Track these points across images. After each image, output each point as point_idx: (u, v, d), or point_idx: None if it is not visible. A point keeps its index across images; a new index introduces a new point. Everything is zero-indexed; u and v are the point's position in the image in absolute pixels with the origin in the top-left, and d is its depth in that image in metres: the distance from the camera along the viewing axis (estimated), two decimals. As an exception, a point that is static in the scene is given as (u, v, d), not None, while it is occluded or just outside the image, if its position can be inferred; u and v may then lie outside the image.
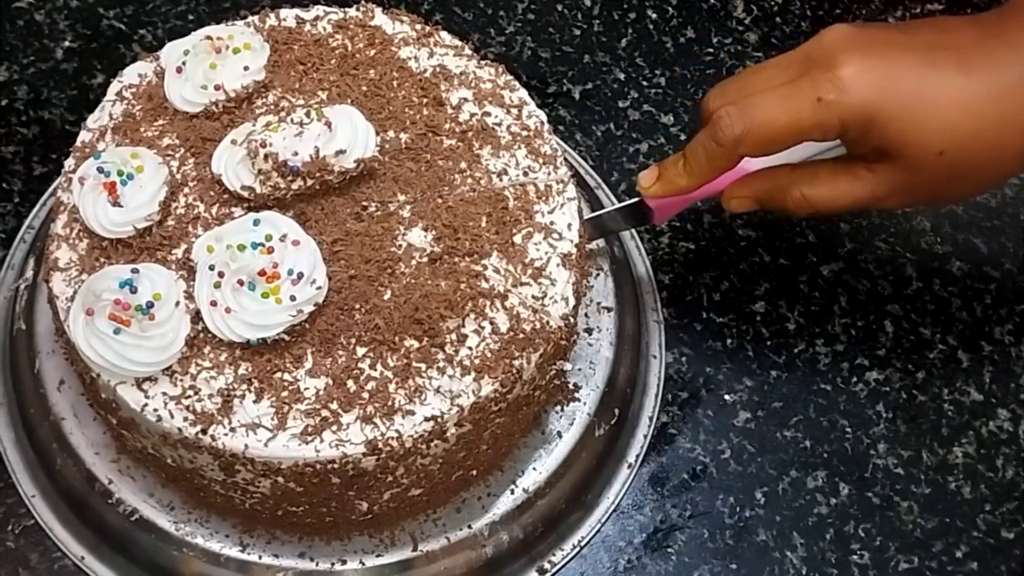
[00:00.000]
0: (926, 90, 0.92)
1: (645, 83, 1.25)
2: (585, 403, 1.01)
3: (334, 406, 0.84)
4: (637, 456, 1.04)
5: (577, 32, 1.28)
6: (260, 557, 0.94)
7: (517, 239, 0.91)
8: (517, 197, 0.93)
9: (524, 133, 0.96)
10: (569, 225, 0.92)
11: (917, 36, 0.94)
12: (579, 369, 1.02)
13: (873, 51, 0.92)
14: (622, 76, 1.25)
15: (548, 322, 0.88)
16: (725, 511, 1.04)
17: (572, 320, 0.92)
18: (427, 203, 0.91)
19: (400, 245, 0.90)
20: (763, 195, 0.99)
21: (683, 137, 1.22)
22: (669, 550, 1.02)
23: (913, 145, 0.92)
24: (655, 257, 1.15)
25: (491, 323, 0.87)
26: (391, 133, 0.94)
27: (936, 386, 1.10)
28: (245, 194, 0.89)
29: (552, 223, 0.92)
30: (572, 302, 0.90)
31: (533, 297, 0.89)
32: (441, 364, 0.86)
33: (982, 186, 1.03)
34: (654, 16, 1.30)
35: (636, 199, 1.03)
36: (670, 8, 1.30)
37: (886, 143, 0.92)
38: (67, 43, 1.23)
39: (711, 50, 1.28)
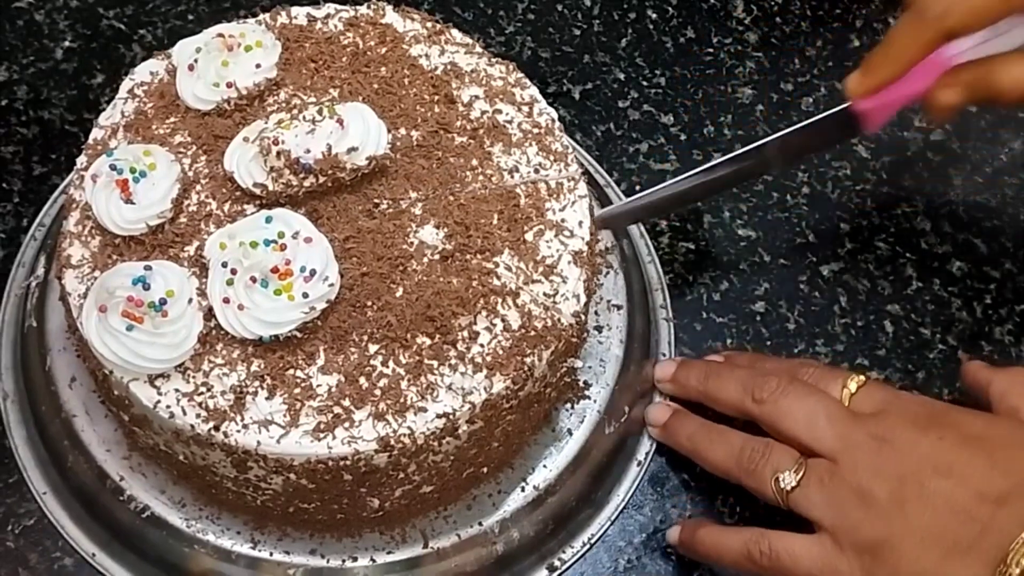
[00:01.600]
0: None
1: (645, 83, 1.25)
2: (595, 401, 1.01)
3: (346, 403, 0.84)
4: (647, 454, 1.04)
5: (577, 32, 1.28)
6: (271, 554, 0.94)
7: (528, 236, 0.91)
8: (528, 194, 0.93)
9: (535, 131, 0.96)
10: (580, 223, 0.92)
11: None
12: (589, 367, 1.02)
13: None
14: (622, 76, 1.26)
15: (559, 319, 0.89)
16: (725, 511, 1.04)
17: (583, 317, 0.92)
18: (439, 200, 0.92)
19: (412, 242, 0.90)
20: (973, 82, 0.97)
21: (683, 137, 1.22)
22: (669, 550, 1.02)
23: None
24: (655, 257, 1.15)
25: (503, 320, 0.88)
26: (403, 130, 0.95)
27: (936, 386, 1.10)
28: (257, 191, 0.89)
29: (563, 220, 0.92)
30: (583, 299, 0.91)
31: (544, 295, 0.89)
32: (453, 361, 0.86)
33: None
34: (654, 16, 1.30)
35: (844, 105, 1.01)
36: (670, 8, 1.31)
37: None
38: (67, 43, 1.23)
39: (711, 50, 1.28)
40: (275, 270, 0.84)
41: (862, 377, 0.96)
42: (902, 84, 0.98)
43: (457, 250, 0.89)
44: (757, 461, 0.94)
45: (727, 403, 0.99)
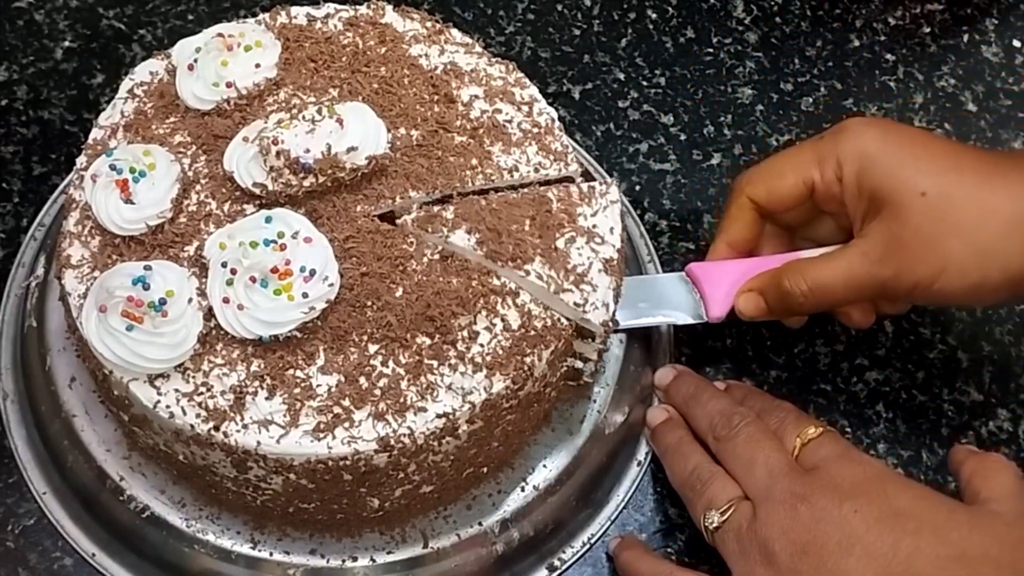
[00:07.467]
0: None
1: (645, 83, 1.25)
2: (596, 400, 1.02)
3: (346, 403, 0.84)
4: (647, 454, 1.04)
5: (577, 32, 1.28)
6: (271, 554, 0.94)
7: (560, 244, 0.91)
8: (560, 199, 0.93)
9: (535, 130, 0.96)
10: (611, 228, 0.93)
11: None
12: (590, 367, 1.02)
13: None
14: (622, 76, 1.26)
15: (559, 319, 0.89)
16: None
17: (611, 326, 0.92)
18: (470, 205, 0.92)
19: (411, 242, 0.90)
20: (765, 286, 1.02)
21: (683, 137, 1.22)
22: (669, 550, 1.02)
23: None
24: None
25: (502, 320, 0.88)
26: (402, 130, 0.94)
27: (936, 386, 1.10)
28: (257, 191, 0.89)
29: (595, 227, 0.92)
30: (612, 308, 0.91)
31: (575, 304, 0.89)
32: (453, 361, 0.86)
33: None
34: (654, 16, 1.30)
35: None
36: (670, 8, 1.31)
37: None
38: (67, 43, 1.23)
39: (711, 50, 1.28)
40: (275, 270, 0.84)
41: (817, 430, 0.94)
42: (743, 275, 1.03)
43: (488, 256, 0.89)
44: (697, 490, 0.94)
45: (697, 430, 0.99)
